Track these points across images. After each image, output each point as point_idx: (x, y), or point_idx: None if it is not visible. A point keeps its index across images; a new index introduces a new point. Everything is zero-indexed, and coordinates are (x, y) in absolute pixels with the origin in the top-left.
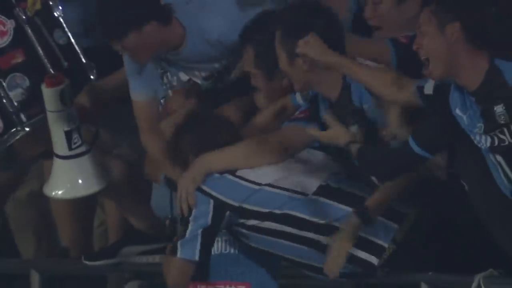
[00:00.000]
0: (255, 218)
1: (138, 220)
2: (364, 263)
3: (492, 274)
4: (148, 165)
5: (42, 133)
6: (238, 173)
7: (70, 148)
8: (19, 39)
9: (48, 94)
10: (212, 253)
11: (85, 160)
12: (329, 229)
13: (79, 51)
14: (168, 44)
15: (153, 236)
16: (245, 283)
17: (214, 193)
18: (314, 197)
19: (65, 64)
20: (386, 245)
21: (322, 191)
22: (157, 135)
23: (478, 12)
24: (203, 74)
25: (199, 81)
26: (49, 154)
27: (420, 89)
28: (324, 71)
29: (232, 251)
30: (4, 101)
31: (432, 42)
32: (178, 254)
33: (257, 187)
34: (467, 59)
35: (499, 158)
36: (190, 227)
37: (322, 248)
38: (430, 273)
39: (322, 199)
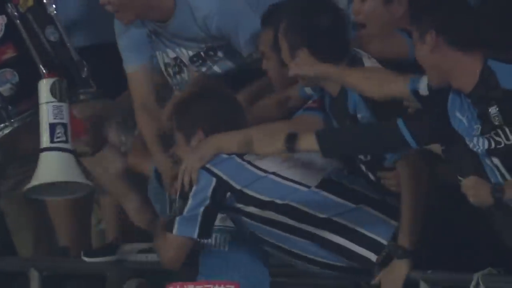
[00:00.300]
0: (255, 206)
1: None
2: (362, 259)
3: (491, 272)
4: (133, 154)
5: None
6: (246, 157)
7: (51, 141)
8: (11, 34)
9: (41, 85)
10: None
11: (66, 156)
12: (328, 224)
13: (70, 49)
14: (156, 12)
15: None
16: (234, 283)
17: (218, 172)
18: (316, 190)
19: (56, 62)
20: (385, 242)
21: (325, 184)
22: (149, 113)
23: (449, 16)
24: (190, 52)
25: (186, 60)
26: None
27: (415, 92)
28: None
29: (222, 248)
30: None
31: (419, 53)
32: (175, 231)
33: (262, 174)
34: (457, 63)
35: (496, 161)
36: (189, 204)
37: (320, 242)
38: (429, 271)
39: (323, 193)
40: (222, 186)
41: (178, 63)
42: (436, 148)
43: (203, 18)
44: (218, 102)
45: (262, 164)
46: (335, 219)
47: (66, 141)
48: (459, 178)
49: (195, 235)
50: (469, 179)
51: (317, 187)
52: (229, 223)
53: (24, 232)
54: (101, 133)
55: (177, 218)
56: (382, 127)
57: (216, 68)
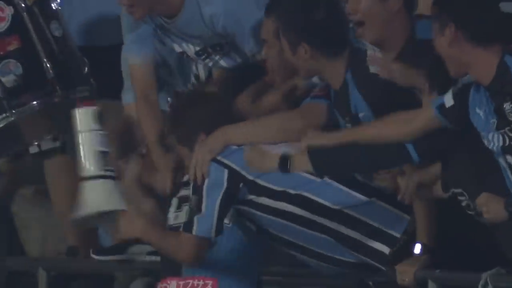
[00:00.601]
0: (267, 196)
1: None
2: (376, 253)
3: (499, 272)
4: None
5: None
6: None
7: (101, 169)
8: (16, 26)
9: (83, 113)
10: None
11: (117, 184)
12: (341, 216)
13: (73, 45)
14: (165, 7)
15: None
16: (212, 278)
17: (229, 163)
18: (329, 181)
19: (60, 57)
20: (398, 235)
21: (337, 176)
22: (151, 106)
23: (469, 10)
24: (197, 47)
25: (191, 54)
26: (49, 154)
27: (441, 106)
28: (327, 61)
29: None
30: None
31: (438, 45)
32: (194, 231)
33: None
34: (475, 57)
35: (510, 159)
36: (205, 200)
37: (334, 236)
38: (437, 270)
39: (336, 184)
40: (234, 177)
41: (184, 57)
42: None
43: (210, 16)
44: (211, 103)
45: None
46: (347, 211)
47: (113, 170)
48: (454, 191)
49: (212, 235)
50: (482, 196)
51: (330, 178)
52: None
53: (32, 231)
54: (130, 141)
55: (196, 218)
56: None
57: (222, 63)
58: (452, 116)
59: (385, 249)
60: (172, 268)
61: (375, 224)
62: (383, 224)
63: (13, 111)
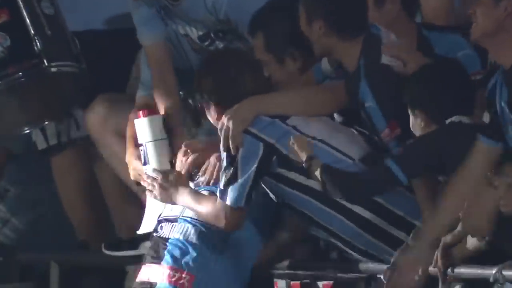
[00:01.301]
0: (298, 172)
1: None
2: (398, 242)
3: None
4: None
5: None
6: (290, 122)
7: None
8: (6, 0)
9: (154, 121)
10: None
11: None
12: (366, 201)
13: (63, 24)
14: None
15: None
16: (190, 274)
17: (264, 136)
18: (359, 163)
19: (49, 33)
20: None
21: (366, 161)
22: (167, 89)
23: None
24: (200, 32)
25: (195, 39)
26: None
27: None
28: (341, 41)
29: (190, 240)
30: None
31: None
32: (230, 200)
33: (310, 140)
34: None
35: None
36: (240, 170)
37: (356, 220)
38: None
39: (365, 168)
40: (269, 150)
41: (188, 40)
42: None
43: (213, 2)
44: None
45: (309, 130)
46: (375, 197)
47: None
48: None
49: (243, 204)
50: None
51: (359, 161)
52: None
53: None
54: None
55: (231, 187)
56: (371, 170)
57: None
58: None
59: (407, 239)
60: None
61: (400, 213)
62: (408, 214)
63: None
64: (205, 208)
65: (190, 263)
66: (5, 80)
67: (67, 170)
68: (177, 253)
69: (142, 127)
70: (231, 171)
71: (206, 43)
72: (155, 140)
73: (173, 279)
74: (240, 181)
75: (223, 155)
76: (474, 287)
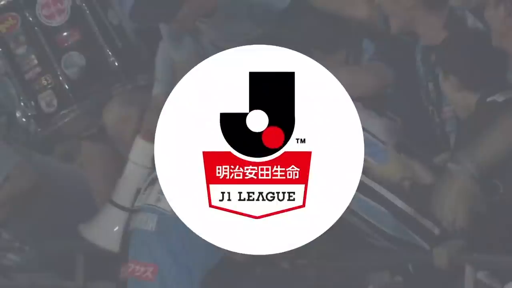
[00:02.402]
0: None
1: None
2: (426, 232)
3: None
4: None
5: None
6: None
7: None
8: (76, 17)
9: None
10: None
11: None
12: (398, 187)
13: (130, 33)
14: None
15: None
16: (153, 265)
17: None
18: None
19: (119, 44)
20: None
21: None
22: None
23: None
24: None
25: None
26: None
27: None
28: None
29: (150, 229)
30: (61, 78)
31: None
32: None
33: None
34: None
35: None
36: None
37: (385, 205)
38: (474, 254)
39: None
40: None
41: None
42: None
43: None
44: None
45: None
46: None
47: None
48: None
49: None
50: None
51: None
52: (162, 205)
53: None
54: None
55: None
56: None
57: None
58: None
59: (436, 230)
60: None
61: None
62: None
63: (79, 103)
64: None
65: (153, 253)
66: (86, 101)
67: (99, 157)
68: (139, 245)
69: None
70: None
71: None
72: None
73: (137, 274)
74: None
75: None
76: (499, 275)
